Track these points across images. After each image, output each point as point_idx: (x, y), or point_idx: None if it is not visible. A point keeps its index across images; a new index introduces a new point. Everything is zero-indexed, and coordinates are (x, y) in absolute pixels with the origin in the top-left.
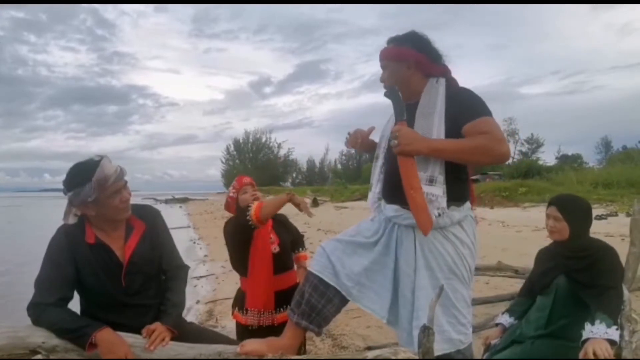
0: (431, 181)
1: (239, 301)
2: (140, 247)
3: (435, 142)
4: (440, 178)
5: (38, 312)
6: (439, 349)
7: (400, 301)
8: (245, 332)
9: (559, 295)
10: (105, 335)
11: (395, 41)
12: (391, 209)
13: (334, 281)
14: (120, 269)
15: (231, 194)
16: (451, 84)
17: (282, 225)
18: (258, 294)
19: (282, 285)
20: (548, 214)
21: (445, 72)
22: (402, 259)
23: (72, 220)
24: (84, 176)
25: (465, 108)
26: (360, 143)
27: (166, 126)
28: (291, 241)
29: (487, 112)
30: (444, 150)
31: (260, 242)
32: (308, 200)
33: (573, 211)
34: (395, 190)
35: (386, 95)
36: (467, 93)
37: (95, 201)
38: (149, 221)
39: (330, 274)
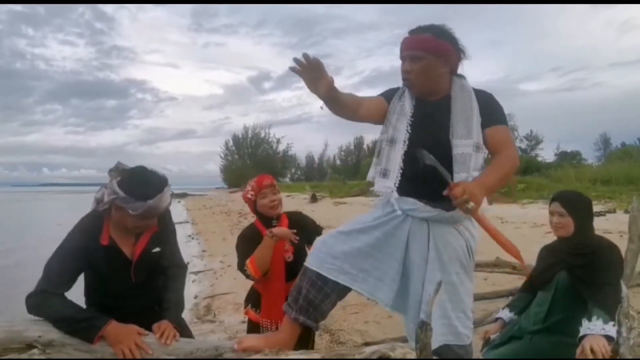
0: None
1: (252, 298)
2: (150, 246)
3: (487, 182)
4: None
5: (42, 299)
6: (443, 339)
7: (412, 293)
8: (257, 330)
9: (559, 290)
10: (113, 327)
11: (431, 32)
12: (407, 202)
13: (334, 275)
14: (129, 265)
15: (249, 196)
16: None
17: (298, 226)
18: (272, 304)
19: None
20: (552, 211)
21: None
22: (416, 251)
23: (100, 207)
24: (145, 193)
25: (491, 112)
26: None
27: (165, 121)
28: (309, 236)
29: (506, 121)
30: (495, 184)
31: (274, 254)
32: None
33: (577, 206)
34: (413, 184)
35: (428, 165)
36: (493, 98)
37: (127, 213)
38: (161, 221)
39: (329, 269)
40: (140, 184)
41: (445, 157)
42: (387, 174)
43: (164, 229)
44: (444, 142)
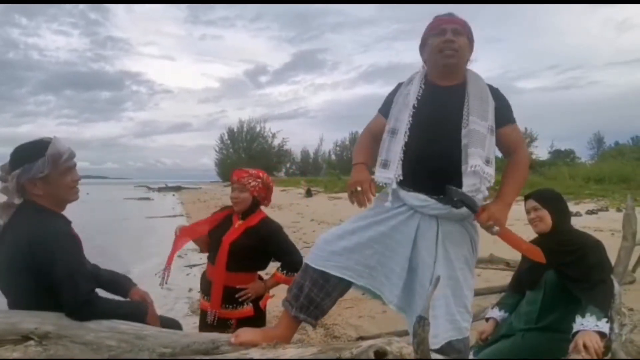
0: (487, 161)
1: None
2: None
3: (508, 198)
4: (493, 159)
5: (96, 304)
6: (448, 336)
7: (419, 291)
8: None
9: (548, 290)
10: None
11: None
12: (416, 198)
13: (339, 272)
14: None
15: None
16: None
17: (256, 233)
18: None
19: (231, 283)
20: (527, 209)
21: None
22: (424, 249)
23: (17, 201)
24: (36, 152)
25: (506, 108)
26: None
27: (160, 114)
28: (267, 248)
29: (514, 119)
30: (515, 198)
31: (224, 240)
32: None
33: (550, 198)
34: (424, 179)
35: (459, 201)
36: (501, 93)
37: (45, 178)
38: None
39: (333, 266)
40: (23, 148)
41: (452, 142)
42: (387, 165)
43: None
44: (453, 127)
